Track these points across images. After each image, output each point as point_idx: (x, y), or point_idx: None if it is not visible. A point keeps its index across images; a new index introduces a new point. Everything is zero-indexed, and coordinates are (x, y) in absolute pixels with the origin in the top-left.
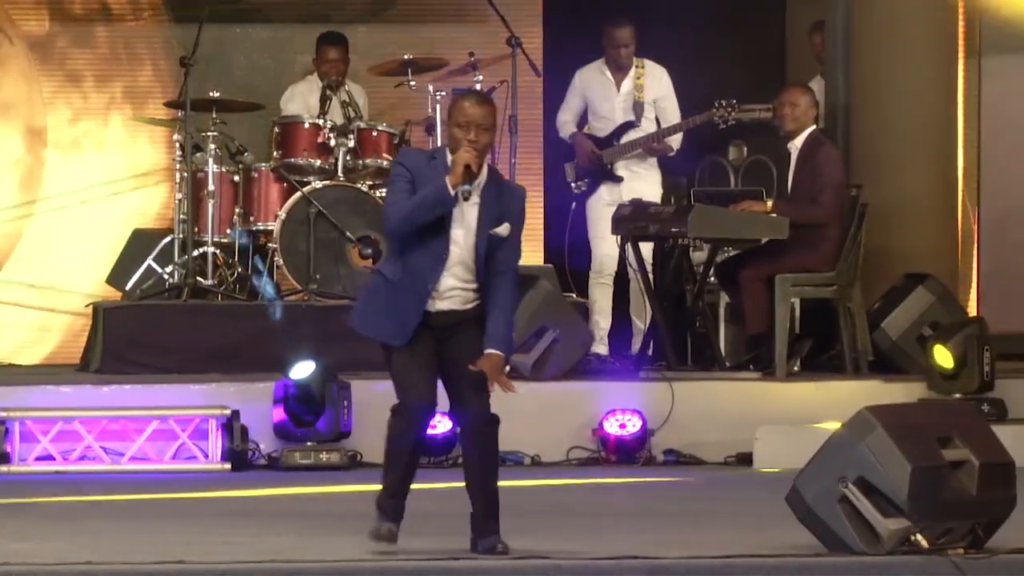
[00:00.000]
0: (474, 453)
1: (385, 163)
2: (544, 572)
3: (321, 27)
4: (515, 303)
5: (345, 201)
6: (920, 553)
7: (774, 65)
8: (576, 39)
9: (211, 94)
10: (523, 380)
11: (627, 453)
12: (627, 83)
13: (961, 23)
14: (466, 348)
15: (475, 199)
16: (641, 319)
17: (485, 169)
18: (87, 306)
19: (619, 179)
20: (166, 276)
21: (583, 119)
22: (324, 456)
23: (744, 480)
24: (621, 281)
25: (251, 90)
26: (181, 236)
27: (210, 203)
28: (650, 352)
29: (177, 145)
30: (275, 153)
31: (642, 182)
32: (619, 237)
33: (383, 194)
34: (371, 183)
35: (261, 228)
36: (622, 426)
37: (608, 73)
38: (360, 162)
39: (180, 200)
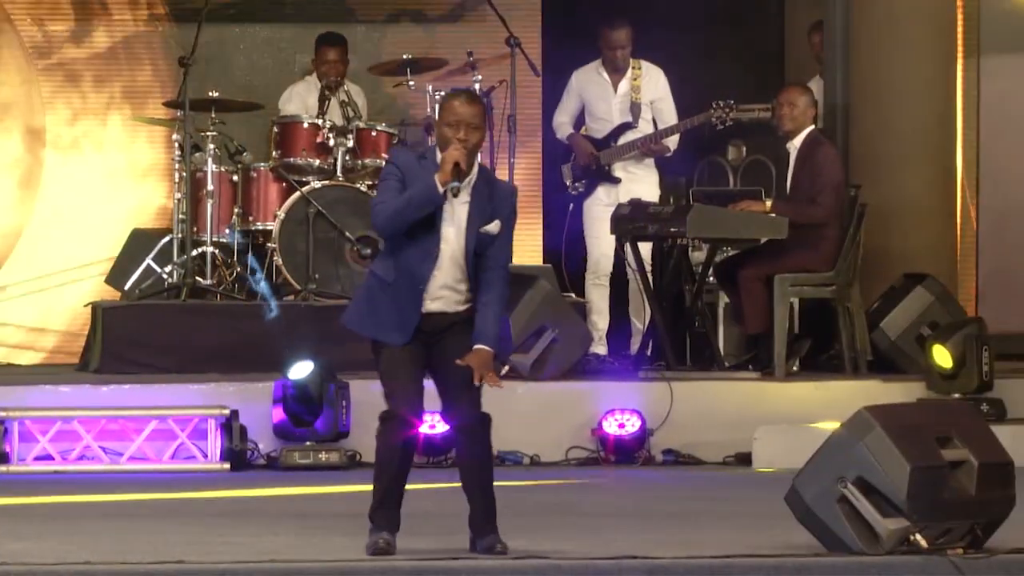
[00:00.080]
0: (468, 453)
1: (384, 163)
2: (543, 572)
3: (320, 27)
4: (505, 300)
5: (344, 201)
6: (919, 553)
7: (773, 65)
8: (575, 39)
9: (210, 94)
10: (522, 380)
11: (626, 453)
12: (624, 84)
13: (960, 22)
14: (456, 351)
15: (465, 197)
16: (640, 319)
17: (476, 167)
18: (86, 306)
19: (616, 180)
20: (165, 276)
21: (580, 120)
22: (323, 456)
23: (743, 480)
24: (619, 281)
25: (250, 90)
26: (180, 236)
27: (209, 203)
28: (649, 352)
29: (176, 145)
30: (274, 153)
31: (639, 183)
32: (618, 237)
33: None
34: (370, 183)
35: (260, 228)
36: (621, 426)
37: (605, 74)
38: (359, 162)
39: (179, 200)
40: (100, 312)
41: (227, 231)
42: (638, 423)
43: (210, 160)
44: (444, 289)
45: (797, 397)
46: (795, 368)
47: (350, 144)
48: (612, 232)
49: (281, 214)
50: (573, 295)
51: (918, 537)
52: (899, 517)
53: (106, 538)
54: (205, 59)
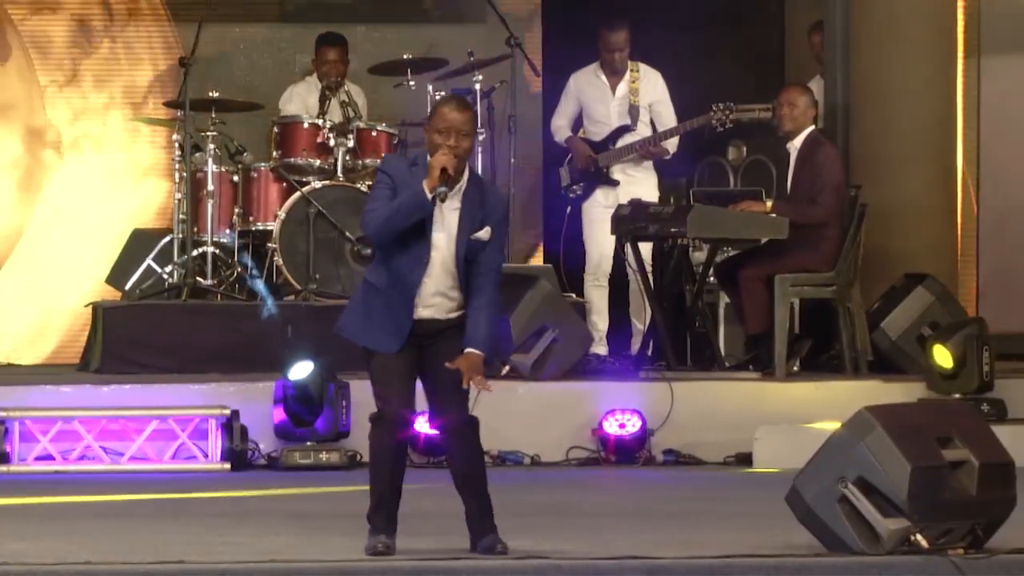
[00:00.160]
0: (458, 456)
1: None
2: (544, 572)
3: (320, 27)
4: (497, 306)
5: (344, 201)
6: (920, 553)
7: (774, 65)
8: (576, 39)
9: (210, 94)
10: (523, 380)
11: (627, 453)
12: (622, 87)
13: (960, 23)
14: (447, 356)
15: (456, 204)
16: (640, 319)
17: (466, 173)
18: (87, 306)
19: (615, 183)
20: (165, 276)
21: (577, 123)
22: (324, 456)
23: (743, 480)
24: (619, 281)
25: (250, 90)
26: (180, 236)
27: (209, 203)
28: (650, 352)
29: (176, 145)
30: (274, 153)
31: (638, 185)
32: (619, 237)
33: None
34: (370, 183)
35: (260, 228)
36: (622, 426)
37: (603, 77)
38: (359, 162)
39: (179, 200)
40: (101, 312)
41: (227, 231)
42: (639, 423)
43: (210, 160)
44: (436, 296)
45: (798, 397)
46: (796, 368)
47: (350, 144)
48: (612, 232)
49: (282, 214)
50: (574, 296)
51: (919, 537)
52: (900, 517)
53: (107, 538)
54: (205, 59)
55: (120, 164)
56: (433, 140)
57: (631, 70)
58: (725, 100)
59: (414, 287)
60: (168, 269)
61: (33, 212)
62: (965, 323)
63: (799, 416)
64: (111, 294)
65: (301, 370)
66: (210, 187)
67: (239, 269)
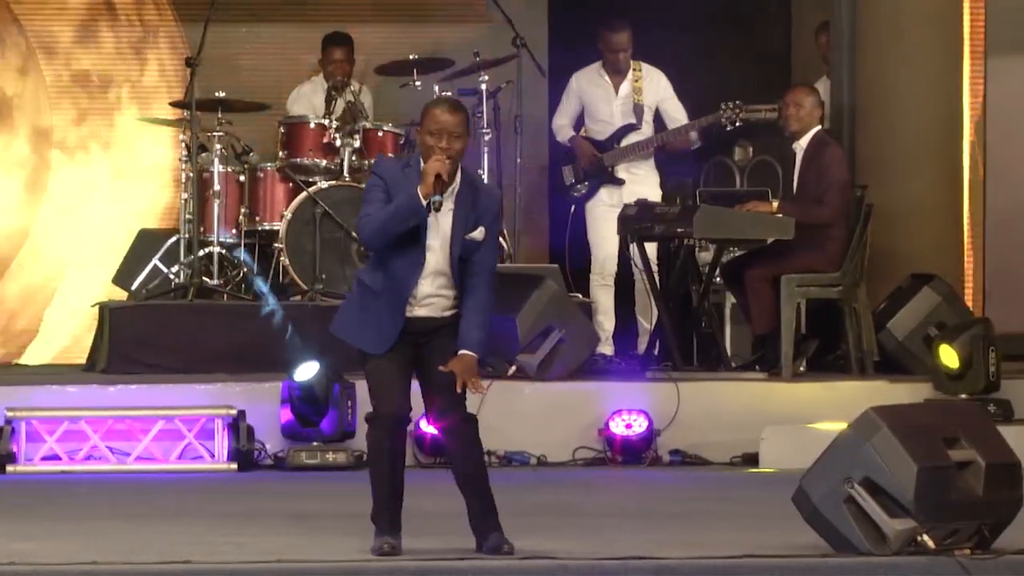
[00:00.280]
0: (459, 454)
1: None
2: (550, 572)
3: (326, 27)
4: (491, 305)
5: (351, 201)
6: (926, 554)
7: (780, 66)
8: (581, 39)
9: (217, 94)
10: (529, 380)
11: (633, 453)
12: (625, 86)
13: (966, 23)
14: (441, 355)
15: (449, 205)
16: (647, 319)
17: (459, 175)
18: (93, 306)
19: (620, 182)
20: (172, 276)
21: (578, 122)
22: (330, 456)
23: (750, 480)
24: (625, 281)
25: (257, 90)
26: (187, 236)
27: (216, 203)
28: (656, 352)
29: (183, 145)
30: (280, 153)
31: (641, 184)
32: (626, 237)
33: None
34: None
35: (267, 228)
36: (628, 426)
37: (606, 76)
38: (366, 162)
39: (186, 200)
40: (107, 312)
41: (232, 231)
42: (645, 423)
43: (217, 160)
44: (431, 296)
45: (804, 397)
46: (802, 368)
47: (357, 144)
48: (619, 232)
49: (288, 214)
50: (580, 296)
51: (925, 538)
52: (906, 518)
53: (113, 538)
54: (211, 59)
55: (126, 164)
56: (425, 142)
57: (634, 69)
58: (734, 100)
59: (409, 289)
60: (174, 269)
61: (39, 212)
62: (971, 323)
63: (805, 416)
64: (117, 294)
65: (306, 371)
66: (216, 187)
67: (250, 271)
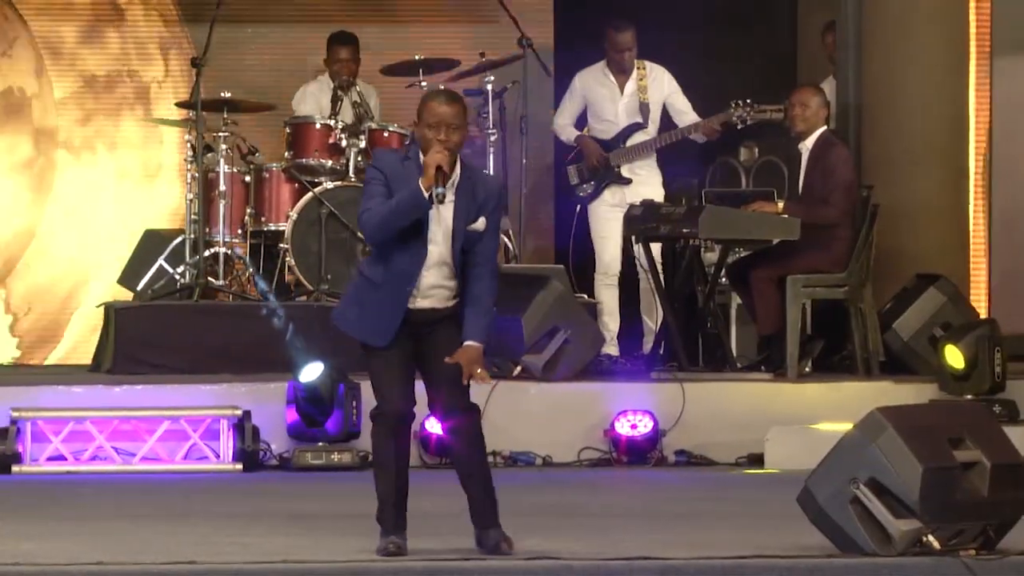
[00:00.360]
0: (461, 446)
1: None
2: (555, 572)
3: (332, 27)
4: (494, 294)
5: (356, 202)
6: (932, 554)
7: (786, 66)
8: (587, 39)
9: (222, 94)
10: (534, 381)
11: (638, 454)
12: (630, 85)
13: (973, 23)
14: (444, 346)
15: (450, 197)
16: (651, 319)
17: (458, 166)
18: (98, 306)
19: (627, 181)
20: (177, 276)
21: (580, 122)
22: (335, 456)
23: (755, 481)
24: (629, 282)
25: (262, 90)
26: (192, 236)
27: (221, 204)
28: (661, 353)
29: (188, 145)
30: (286, 154)
31: (644, 184)
32: (632, 237)
33: None
34: None
35: (272, 229)
36: (633, 427)
37: (611, 76)
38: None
39: (191, 200)
40: (112, 313)
41: (239, 231)
42: (650, 424)
43: (222, 161)
44: (434, 288)
45: (809, 398)
46: (807, 369)
47: (362, 145)
48: (624, 233)
49: (293, 215)
50: (585, 296)
51: (930, 538)
52: (911, 518)
53: (118, 538)
54: (217, 60)
55: (132, 165)
56: (424, 134)
57: (638, 68)
58: (744, 99)
59: (412, 282)
60: (180, 270)
61: (45, 212)
62: (977, 324)
63: (811, 417)
64: (123, 295)
65: (311, 372)
66: (222, 188)
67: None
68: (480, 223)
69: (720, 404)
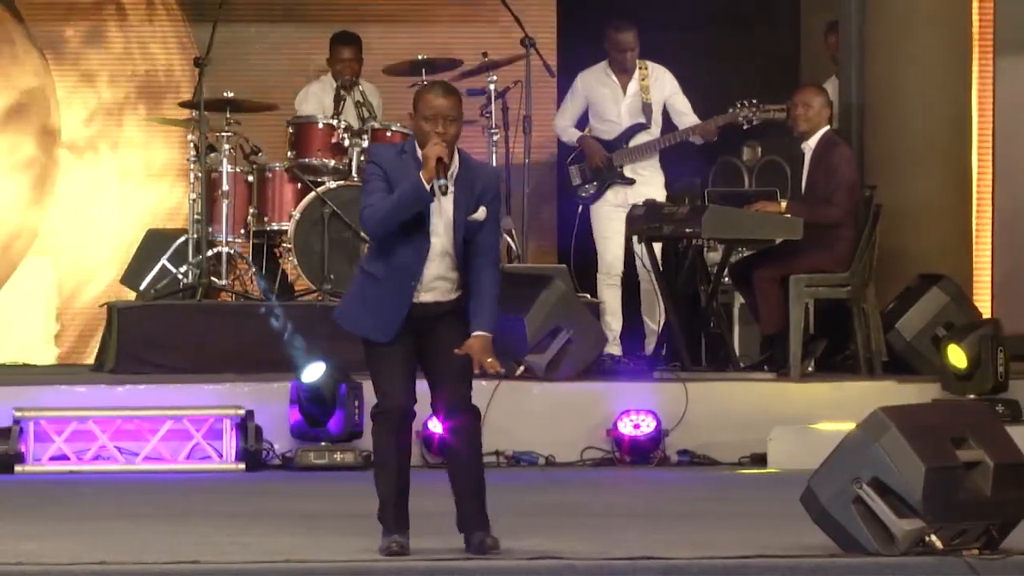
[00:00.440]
0: (459, 447)
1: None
2: (558, 572)
3: (335, 27)
4: (498, 283)
5: (359, 201)
6: (934, 554)
7: (788, 66)
8: (590, 39)
9: (225, 94)
10: (537, 380)
11: (641, 454)
12: (633, 85)
13: (975, 23)
14: (446, 342)
15: (450, 188)
16: (653, 319)
17: (456, 158)
18: (101, 306)
19: (631, 181)
20: (180, 276)
21: (581, 122)
22: (338, 456)
23: (758, 480)
24: (631, 282)
25: (265, 90)
26: (195, 236)
27: (224, 203)
28: (664, 352)
29: (191, 145)
30: (289, 153)
31: (646, 184)
32: (634, 237)
33: None
34: None
35: (275, 228)
36: (636, 426)
37: (613, 76)
38: None
39: (194, 200)
40: (115, 312)
41: (242, 231)
42: (653, 424)
43: (225, 160)
44: (437, 280)
45: (812, 398)
46: (810, 369)
47: (365, 144)
48: (627, 232)
49: (296, 214)
50: (588, 296)
51: (933, 538)
52: (914, 518)
53: (121, 538)
54: (220, 59)
55: (135, 164)
56: (421, 127)
57: (640, 68)
58: (748, 99)
59: (416, 275)
60: (183, 269)
61: (47, 212)
62: (980, 324)
63: (814, 416)
64: (126, 294)
65: (313, 372)
66: (225, 187)
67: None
68: (480, 212)
69: (723, 404)
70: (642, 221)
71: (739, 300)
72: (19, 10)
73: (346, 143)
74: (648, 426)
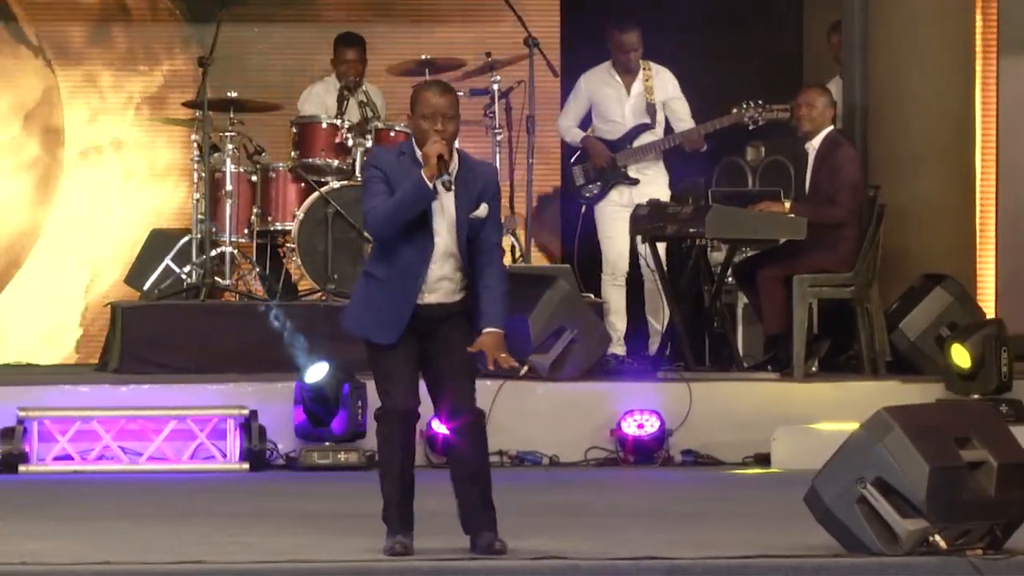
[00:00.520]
0: (464, 449)
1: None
2: (562, 572)
3: (338, 28)
4: (505, 279)
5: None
6: (938, 554)
7: (792, 66)
8: (593, 39)
9: (229, 94)
10: (541, 380)
11: (645, 454)
12: (637, 85)
13: (978, 23)
14: (451, 344)
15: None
16: (657, 319)
17: (456, 156)
18: (105, 306)
19: (635, 181)
20: (184, 276)
21: (584, 123)
22: (342, 456)
23: (762, 480)
24: (635, 282)
25: (269, 90)
26: (199, 236)
27: (228, 203)
28: (668, 352)
29: (195, 145)
30: (292, 153)
31: (650, 184)
32: (638, 237)
33: None
34: None
35: (279, 228)
36: (640, 426)
37: (617, 76)
38: None
39: (198, 200)
40: (119, 312)
41: (246, 231)
42: (657, 424)
43: (229, 160)
44: (441, 280)
45: (816, 398)
46: (814, 369)
47: (368, 144)
48: (631, 232)
49: (300, 214)
50: (592, 296)
51: (937, 538)
52: (918, 518)
53: (125, 538)
54: (224, 59)
55: (138, 164)
56: (419, 126)
57: (644, 69)
58: (753, 100)
59: (421, 275)
60: (187, 269)
61: (51, 212)
62: (983, 324)
63: (817, 416)
64: (130, 294)
65: (316, 372)
66: (228, 187)
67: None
68: (482, 210)
69: (726, 404)
70: (646, 221)
71: (743, 300)
72: (19, 10)
73: (350, 143)
74: (652, 426)
